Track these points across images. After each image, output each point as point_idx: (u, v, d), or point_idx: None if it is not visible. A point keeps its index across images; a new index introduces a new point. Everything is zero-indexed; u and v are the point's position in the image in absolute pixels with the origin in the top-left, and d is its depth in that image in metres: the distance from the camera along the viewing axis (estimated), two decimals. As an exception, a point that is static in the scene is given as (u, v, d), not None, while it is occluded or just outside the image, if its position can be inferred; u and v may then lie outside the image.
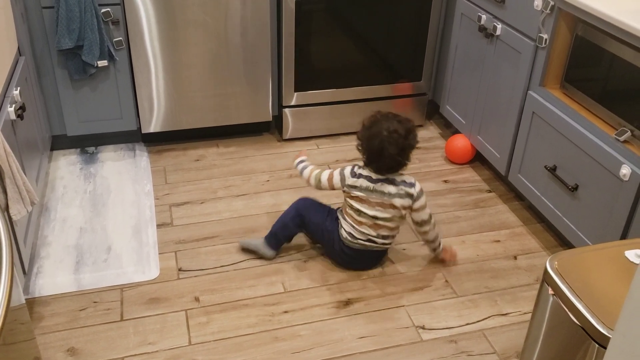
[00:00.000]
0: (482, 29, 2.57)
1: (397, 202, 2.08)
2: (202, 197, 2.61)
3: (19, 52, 2.39)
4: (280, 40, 2.82)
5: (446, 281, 2.20)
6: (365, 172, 2.10)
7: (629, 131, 1.92)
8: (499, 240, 2.41)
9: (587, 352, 1.32)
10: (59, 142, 2.88)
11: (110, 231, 2.39)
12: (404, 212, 2.11)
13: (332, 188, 2.17)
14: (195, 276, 2.19)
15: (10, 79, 2.17)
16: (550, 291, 1.42)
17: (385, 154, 2.03)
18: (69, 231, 2.38)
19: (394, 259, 2.29)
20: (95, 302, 2.07)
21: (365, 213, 2.09)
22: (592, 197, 2.04)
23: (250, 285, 2.15)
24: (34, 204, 1.91)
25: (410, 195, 2.09)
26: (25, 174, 2.06)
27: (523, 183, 2.43)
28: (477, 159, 2.90)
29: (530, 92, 2.32)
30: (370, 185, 2.08)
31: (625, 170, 1.87)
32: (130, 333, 1.96)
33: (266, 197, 2.61)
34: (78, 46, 2.54)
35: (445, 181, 2.77)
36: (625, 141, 1.93)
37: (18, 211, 1.83)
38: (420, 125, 3.17)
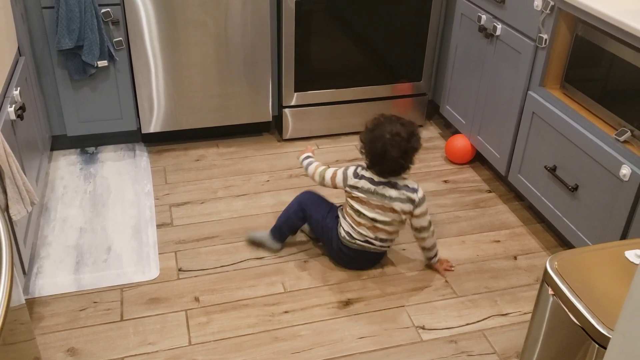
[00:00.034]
0: (482, 29, 2.57)
1: (397, 206, 2.07)
2: (202, 197, 2.61)
3: (19, 52, 2.39)
4: (280, 40, 2.83)
5: (446, 281, 2.20)
6: (367, 174, 2.10)
7: (629, 131, 1.92)
8: (499, 241, 2.41)
9: (587, 353, 1.32)
10: (59, 142, 2.88)
11: (110, 231, 2.39)
12: (404, 217, 2.11)
13: (335, 187, 2.17)
14: (195, 276, 2.19)
15: (10, 79, 2.17)
16: (550, 291, 1.42)
17: (388, 156, 2.02)
18: (69, 231, 2.38)
19: (394, 259, 2.29)
20: (95, 302, 2.07)
21: (364, 215, 2.09)
22: (592, 197, 2.04)
23: (250, 285, 2.15)
24: (33, 204, 1.91)
25: (412, 201, 2.08)
26: (25, 174, 2.06)
27: (523, 183, 2.43)
28: (477, 159, 2.90)
29: (530, 92, 2.32)
30: (372, 187, 2.08)
31: (625, 171, 1.87)
32: (130, 333, 1.96)
33: (266, 197, 2.62)
34: (78, 46, 2.54)
35: (445, 181, 2.77)
36: (625, 141, 1.93)
37: (18, 211, 1.83)
38: (420, 126, 3.17)
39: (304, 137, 3.07)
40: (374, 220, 2.09)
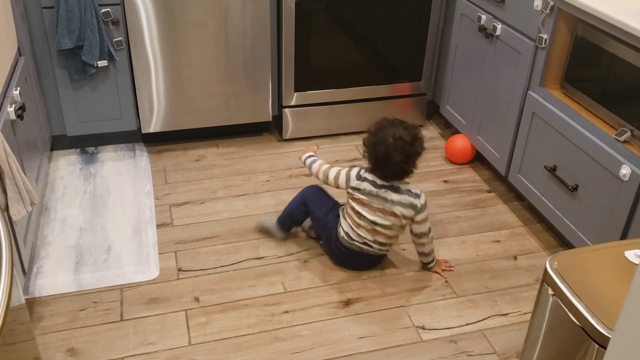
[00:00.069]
0: (482, 29, 2.57)
1: (398, 210, 2.07)
2: (202, 197, 2.61)
3: (19, 52, 2.39)
4: (280, 40, 2.83)
5: (446, 281, 2.20)
6: (370, 177, 2.10)
7: (629, 131, 1.92)
8: (499, 241, 2.41)
9: (587, 353, 1.32)
10: (59, 142, 2.88)
11: (110, 231, 2.39)
12: (404, 221, 2.10)
13: (337, 187, 2.18)
14: (195, 276, 2.19)
15: (10, 79, 2.17)
16: (550, 291, 1.42)
17: (391, 160, 2.02)
18: (69, 231, 2.38)
19: (394, 260, 2.29)
20: (95, 302, 2.07)
21: (365, 217, 2.09)
22: (592, 197, 2.04)
23: (250, 285, 2.15)
24: (33, 204, 1.91)
25: (413, 206, 2.08)
26: (25, 174, 2.06)
27: (523, 183, 2.43)
28: (477, 159, 2.90)
29: (530, 92, 2.32)
30: (374, 190, 2.08)
31: (625, 171, 1.87)
32: (130, 333, 1.96)
33: (266, 197, 2.62)
34: (78, 46, 2.54)
35: (445, 181, 2.77)
36: (625, 141, 1.93)
37: (18, 211, 1.83)
38: (420, 126, 3.17)
39: (303, 137, 3.06)
40: (374, 223, 2.09)
